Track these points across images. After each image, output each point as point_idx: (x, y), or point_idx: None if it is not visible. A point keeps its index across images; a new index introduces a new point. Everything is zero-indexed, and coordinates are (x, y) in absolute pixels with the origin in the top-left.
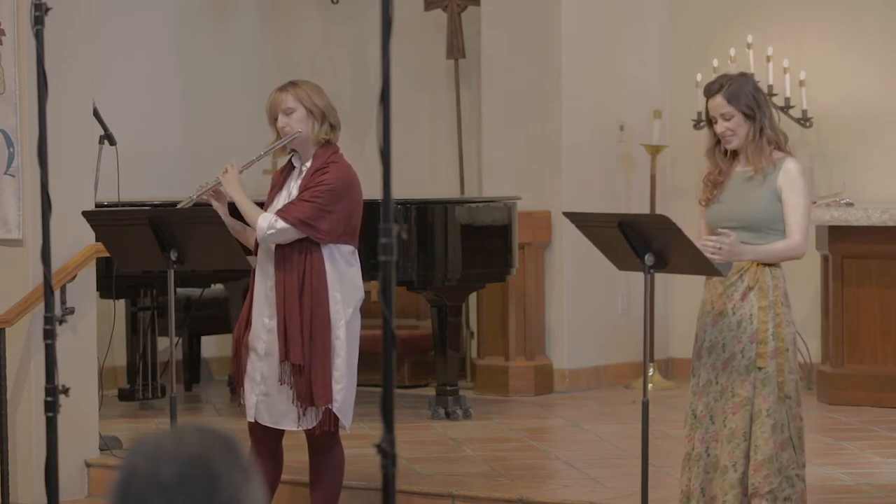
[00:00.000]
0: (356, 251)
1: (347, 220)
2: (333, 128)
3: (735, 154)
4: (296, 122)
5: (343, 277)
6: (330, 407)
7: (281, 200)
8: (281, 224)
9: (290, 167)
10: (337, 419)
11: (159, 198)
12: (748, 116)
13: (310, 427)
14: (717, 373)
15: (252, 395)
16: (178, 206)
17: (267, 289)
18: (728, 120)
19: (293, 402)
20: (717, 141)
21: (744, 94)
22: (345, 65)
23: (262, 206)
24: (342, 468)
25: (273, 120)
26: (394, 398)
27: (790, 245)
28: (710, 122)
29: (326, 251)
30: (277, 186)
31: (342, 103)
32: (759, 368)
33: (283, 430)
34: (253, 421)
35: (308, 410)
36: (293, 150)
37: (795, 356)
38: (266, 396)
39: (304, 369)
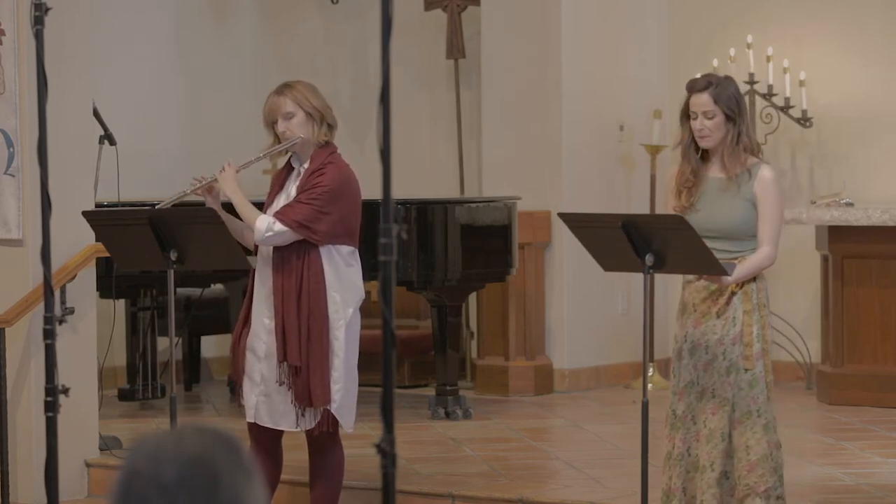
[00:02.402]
0: (356, 251)
1: (345, 220)
2: (331, 127)
3: (705, 155)
4: (296, 127)
5: (342, 278)
6: (329, 408)
7: (280, 202)
8: (278, 227)
9: (289, 168)
10: (336, 420)
11: (159, 198)
12: (729, 119)
13: (309, 428)
14: (699, 374)
15: (252, 395)
16: (166, 201)
17: (266, 290)
18: (710, 119)
19: (292, 402)
20: (692, 139)
21: (728, 95)
22: (345, 65)
23: (261, 206)
24: (342, 468)
25: (271, 124)
26: (394, 398)
27: (761, 257)
28: (688, 117)
29: (325, 252)
30: (277, 188)
31: (342, 103)
32: (746, 370)
33: (283, 430)
34: (252, 421)
35: (307, 411)
36: (292, 152)
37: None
38: (266, 397)
39: (302, 370)
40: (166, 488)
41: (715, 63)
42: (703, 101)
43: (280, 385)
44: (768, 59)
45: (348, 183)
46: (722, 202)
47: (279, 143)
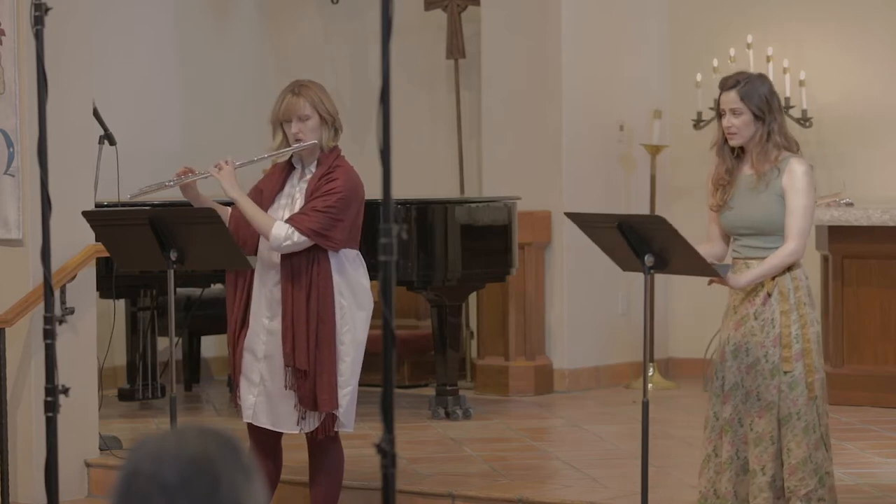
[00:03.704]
0: (359, 253)
1: (355, 225)
2: (337, 132)
3: (740, 153)
4: (310, 130)
5: (351, 281)
6: (335, 412)
7: (281, 202)
8: (297, 236)
9: (289, 167)
10: (337, 421)
11: (159, 198)
12: (757, 118)
13: (310, 430)
14: (742, 376)
15: (249, 395)
16: (141, 190)
17: (267, 290)
18: (737, 116)
19: (295, 406)
20: (725, 137)
21: (757, 94)
22: (345, 65)
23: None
24: (342, 468)
25: (282, 122)
26: (394, 398)
27: (786, 252)
28: (720, 115)
29: (333, 257)
30: (276, 186)
31: (342, 103)
32: (786, 372)
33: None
34: (250, 421)
35: (309, 414)
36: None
37: (821, 354)
38: (266, 398)
39: (309, 374)
40: (167, 488)
41: (715, 63)
42: (730, 98)
43: (285, 388)
44: (768, 59)
45: (357, 188)
46: (752, 199)
47: (286, 141)
